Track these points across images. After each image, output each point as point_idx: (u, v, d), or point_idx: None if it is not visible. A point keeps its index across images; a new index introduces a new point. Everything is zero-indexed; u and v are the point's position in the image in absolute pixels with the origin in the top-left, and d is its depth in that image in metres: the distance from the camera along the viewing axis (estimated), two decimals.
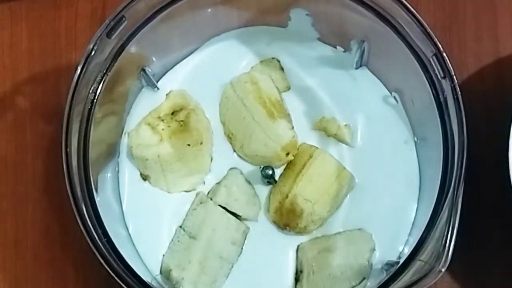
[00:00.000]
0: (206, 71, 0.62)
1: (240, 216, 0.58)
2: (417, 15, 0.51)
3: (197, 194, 0.59)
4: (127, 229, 0.59)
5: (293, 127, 0.59)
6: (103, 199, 0.55)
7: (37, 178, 0.63)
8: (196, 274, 0.56)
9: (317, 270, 0.56)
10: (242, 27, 0.62)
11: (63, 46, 0.65)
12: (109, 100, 0.55)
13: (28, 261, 0.62)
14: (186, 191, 0.59)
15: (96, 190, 0.53)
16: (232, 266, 0.58)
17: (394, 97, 0.60)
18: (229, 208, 0.58)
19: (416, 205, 0.58)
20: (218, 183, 0.59)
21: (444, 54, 0.51)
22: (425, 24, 0.51)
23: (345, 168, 0.58)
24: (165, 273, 0.57)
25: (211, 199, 0.58)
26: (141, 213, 0.59)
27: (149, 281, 0.51)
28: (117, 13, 0.52)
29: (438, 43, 0.51)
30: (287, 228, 0.58)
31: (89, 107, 0.53)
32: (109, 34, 0.52)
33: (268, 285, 0.58)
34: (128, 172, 0.60)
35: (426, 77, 0.52)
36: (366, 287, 0.56)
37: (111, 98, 0.56)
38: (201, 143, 0.59)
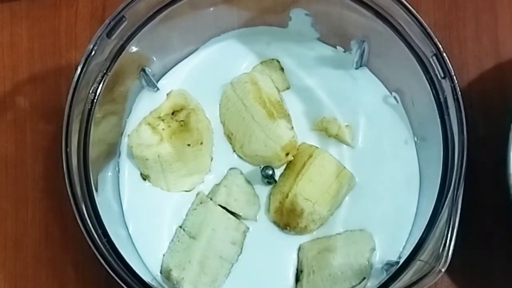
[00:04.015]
0: (206, 71, 0.62)
1: (240, 216, 0.58)
2: (417, 15, 0.51)
3: (197, 194, 0.59)
4: (127, 229, 0.59)
5: (292, 127, 0.59)
6: (103, 199, 0.55)
7: (37, 178, 0.63)
8: (196, 274, 0.56)
9: (317, 270, 0.56)
10: (242, 27, 0.62)
11: (63, 46, 0.65)
12: (109, 100, 0.55)
13: (28, 261, 0.62)
14: (186, 191, 0.59)
15: (96, 190, 0.53)
16: (232, 266, 0.58)
17: (394, 97, 0.60)
18: (229, 208, 0.58)
19: (416, 205, 0.58)
20: (218, 183, 0.59)
21: (444, 54, 0.51)
22: (425, 24, 0.51)
23: (345, 167, 0.58)
24: (165, 273, 0.57)
25: (211, 199, 0.58)
26: (141, 213, 0.59)
27: (149, 281, 0.51)
28: (117, 13, 0.52)
29: (438, 43, 0.51)
30: (288, 228, 0.58)
31: (89, 107, 0.53)
32: (109, 34, 0.52)
33: (268, 285, 0.58)
34: (128, 172, 0.60)
35: (426, 77, 0.52)
36: (366, 287, 0.56)
37: (111, 98, 0.56)
38: (201, 143, 0.59)
